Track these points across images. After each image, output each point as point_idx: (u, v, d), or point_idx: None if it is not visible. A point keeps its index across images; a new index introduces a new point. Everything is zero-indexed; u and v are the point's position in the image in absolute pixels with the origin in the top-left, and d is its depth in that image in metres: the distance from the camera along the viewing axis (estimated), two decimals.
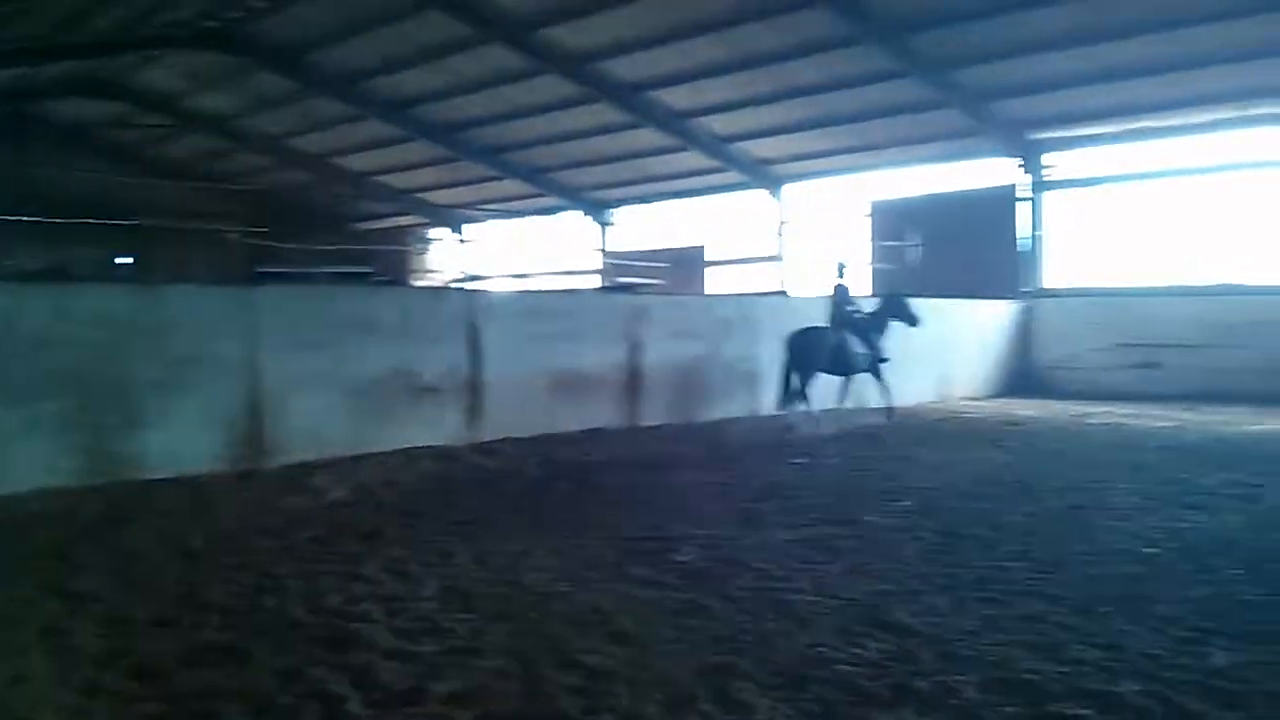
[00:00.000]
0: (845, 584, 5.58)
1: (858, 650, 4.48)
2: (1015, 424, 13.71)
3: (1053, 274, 19.65)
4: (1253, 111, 16.82)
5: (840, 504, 7.93)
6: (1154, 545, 6.40)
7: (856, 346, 13.35)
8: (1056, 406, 15.70)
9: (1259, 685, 4.02)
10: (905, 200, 21.85)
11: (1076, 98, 17.74)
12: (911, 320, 13.97)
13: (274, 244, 24.62)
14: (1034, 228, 19.67)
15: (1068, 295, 18.99)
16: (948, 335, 16.93)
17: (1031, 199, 19.67)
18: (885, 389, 13.67)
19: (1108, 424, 13.44)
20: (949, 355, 17.17)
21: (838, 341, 13.14)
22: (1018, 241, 19.75)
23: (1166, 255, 18.27)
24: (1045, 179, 19.57)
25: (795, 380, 12.80)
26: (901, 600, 5.24)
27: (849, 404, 13.88)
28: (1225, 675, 4.14)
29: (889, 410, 13.73)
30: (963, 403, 16.68)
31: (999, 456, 10.57)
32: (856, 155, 21.88)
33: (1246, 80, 15.98)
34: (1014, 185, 19.82)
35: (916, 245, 20.03)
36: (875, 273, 21.47)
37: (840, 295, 13.65)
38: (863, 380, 13.87)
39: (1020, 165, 19.67)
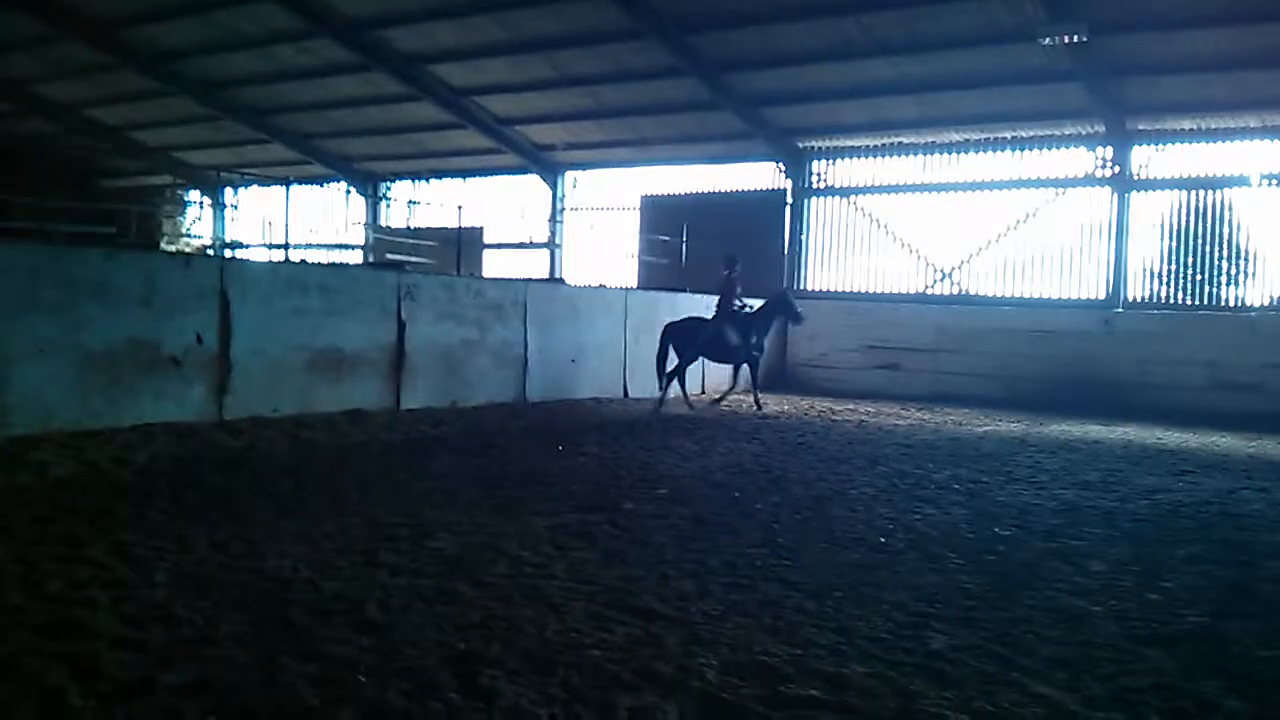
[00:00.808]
0: (598, 570, 5.63)
1: (606, 635, 4.52)
2: (768, 418, 14.27)
3: (812, 276, 20.61)
4: (996, 135, 18.21)
5: (599, 491, 8.01)
6: (886, 535, 6.80)
7: (733, 338, 14.52)
8: (807, 403, 16.49)
9: (973, 666, 4.33)
10: (676, 197, 22.36)
11: (840, 110, 18.68)
12: (796, 318, 15.36)
13: (5, 197, 22.46)
14: (798, 231, 20.57)
15: (824, 298, 19.97)
16: None
17: (795, 204, 20.55)
18: (754, 380, 15.13)
19: (852, 420, 14.22)
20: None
21: (714, 332, 14.37)
22: (783, 243, 20.60)
23: (913, 264, 19.49)
24: (811, 186, 20.49)
25: (670, 364, 14.25)
26: (651, 586, 5.34)
27: (737, 391, 15.26)
28: (943, 657, 4.43)
29: (756, 401, 15.07)
30: (720, 396, 17.21)
31: (752, 448, 10.97)
32: (633, 149, 22.21)
33: (990, 105, 17.28)
34: (784, 190, 20.66)
35: (683, 241, 20.52)
36: (641, 266, 21.83)
37: (727, 289, 14.82)
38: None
39: (785, 171, 20.54)
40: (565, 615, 4.78)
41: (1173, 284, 17.57)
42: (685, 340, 14.29)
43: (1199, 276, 17.27)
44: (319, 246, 27.56)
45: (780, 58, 17.26)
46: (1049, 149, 18.06)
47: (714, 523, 7.00)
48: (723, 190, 21.90)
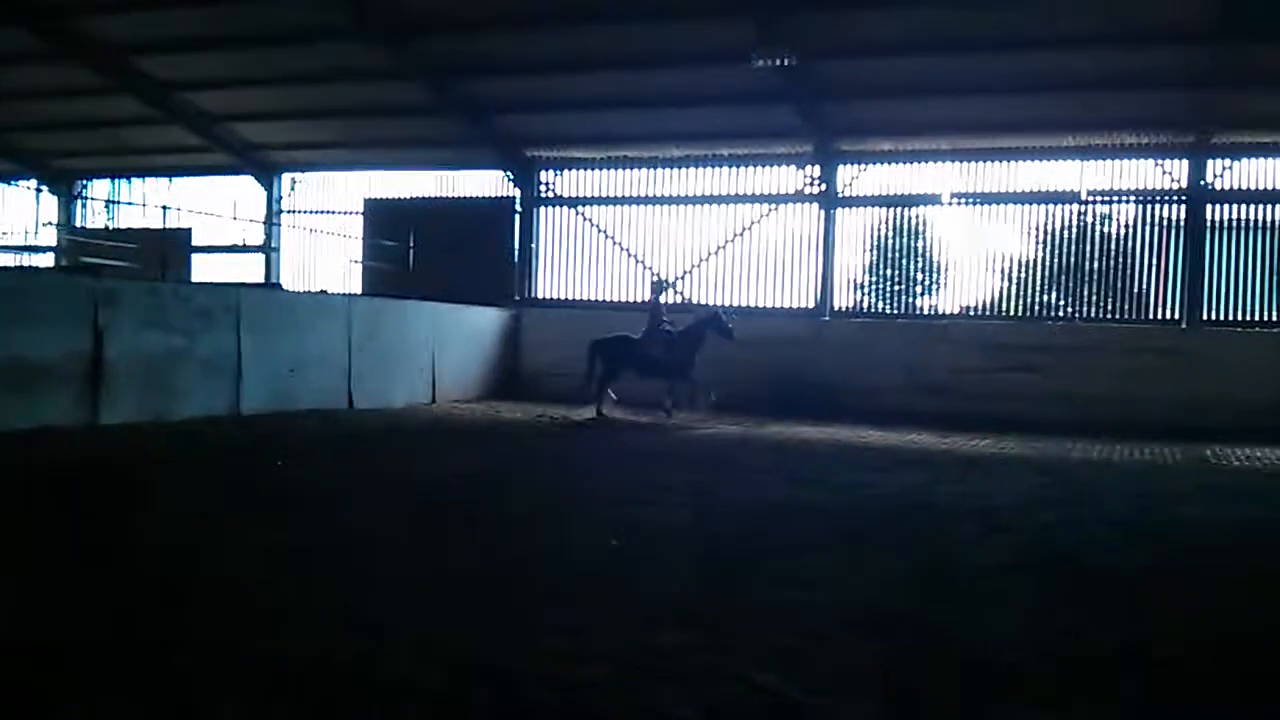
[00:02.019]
0: (326, 587, 5.35)
1: (335, 647, 4.29)
2: (501, 425, 14.19)
3: (543, 284, 20.72)
4: (715, 151, 18.98)
5: (320, 504, 7.66)
6: (615, 537, 6.87)
7: (657, 353, 15.51)
8: (539, 409, 16.52)
9: (699, 661, 4.42)
10: (402, 201, 21.87)
11: (567, 121, 18.89)
12: (727, 334, 15.81)
13: None
14: (527, 240, 20.60)
15: (555, 305, 20.11)
16: (441, 338, 17.18)
17: (524, 213, 20.59)
18: (678, 396, 15.80)
19: (584, 426, 14.37)
20: (442, 358, 17.43)
21: (641, 349, 15.48)
22: (513, 251, 20.57)
23: (640, 274, 19.96)
24: (539, 195, 20.59)
25: (599, 377, 15.36)
26: (378, 598, 5.13)
27: (670, 404, 15.73)
28: (670, 654, 4.49)
29: (669, 411, 15.62)
30: (454, 405, 17.00)
31: (482, 454, 10.85)
32: (355, 151, 21.53)
33: (708, 123, 17.99)
34: (513, 197, 20.63)
35: (410, 246, 20.11)
36: (365, 271, 21.20)
37: (655, 308, 16.11)
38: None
39: (513, 179, 20.53)
40: (283, 633, 4.51)
41: (875, 294, 18.95)
42: (613, 356, 15.46)
43: (898, 287, 18.70)
44: (2, 249, 24.96)
45: (507, 66, 17.22)
46: (763, 166, 19.02)
47: (443, 530, 6.84)
48: (450, 196, 21.62)
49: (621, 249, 20.09)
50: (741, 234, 19.24)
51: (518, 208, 20.64)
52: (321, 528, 6.85)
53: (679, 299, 19.42)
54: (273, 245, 23.15)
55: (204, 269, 23.79)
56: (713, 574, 6.00)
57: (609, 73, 16.91)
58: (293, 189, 23.10)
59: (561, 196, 20.57)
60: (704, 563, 6.28)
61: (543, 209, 20.71)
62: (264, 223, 22.99)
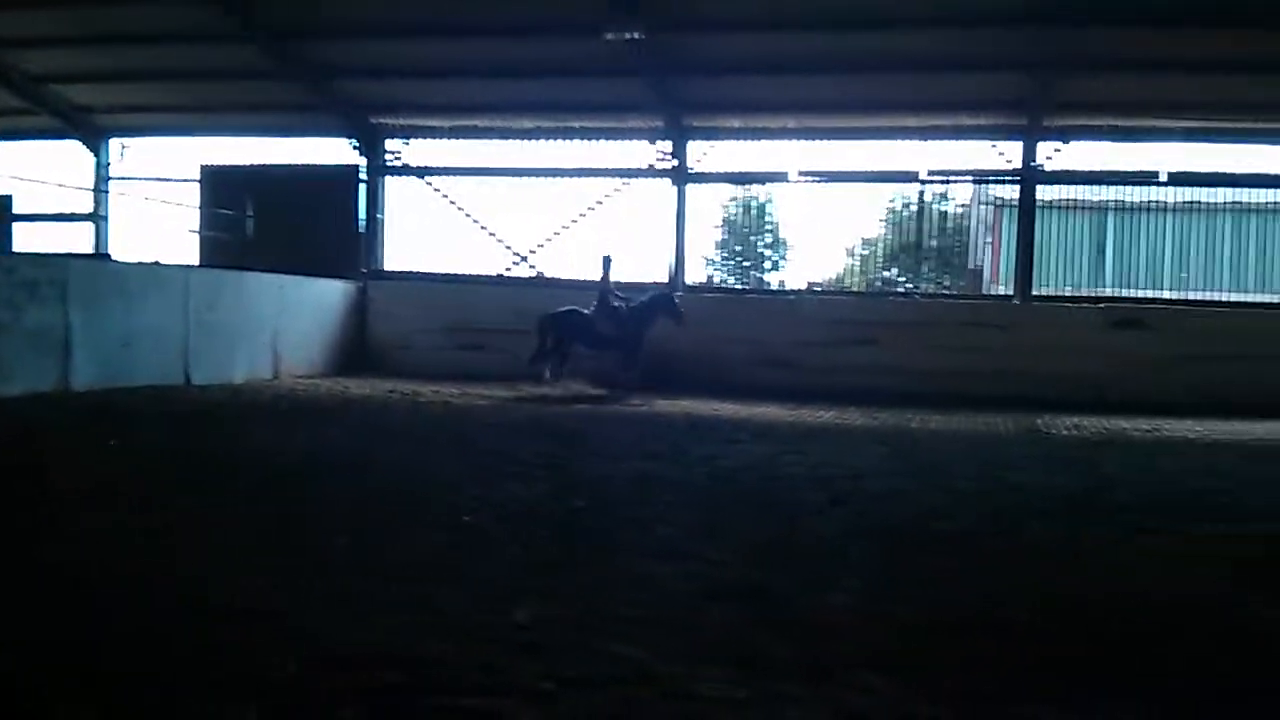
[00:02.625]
0: (156, 565, 5.15)
1: (197, 633, 4.14)
2: (351, 401, 13.88)
3: (392, 256, 20.27)
4: (567, 124, 18.88)
5: (157, 491, 7.35)
6: (472, 513, 6.82)
7: (606, 329, 15.77)
8: (389, 385, 16.20)
9: (558, 636, 4.44)
10: (241, 168, 20.99)
11: (415, 89, 18.48)
12: (676, 317, 16.08)
13: None
14: (374, 210, 20.10)
15: (405, 278, 19.72)
16: (284, 311, 16.65)
17: (370, 182, 20.06)
18: (631, 371, 15.99)
19: (435, 402, 14.17)
20: (285, 332, 16.90)
21: (589, 324, 15.74)
22: (359, 222, 20.04)
23: (494, 246, 19.76)
24: (387, 163, 20.08)
25: (547, 348, 15.58)
26: (226, 581, 4.97)
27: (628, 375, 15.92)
28: (528, 629, 4.50)
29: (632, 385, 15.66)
30: (298, 380, 16.52)
31: (333, 433, 10.60)
32: (191, 116, 20.59)
33: (560, 94, 17.90)
34: (358, 166, 20.07)
35: (249, 215, 19.38)
36: (203, 242, 20.33)
37: (604, 285, 16.20)
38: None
39: (358, 147, 19.96)
40: (130, 620, 4.32)
41: (726, 270, 19.28)
42: (563, 329, 15.70)
43: (748, 263, 19.05)
44: None
45: (353, 29, 16.74)
46: (616, 140, 19.04)
47: (303, 515, 6.65)
48: (293, 164, 20.87)
49: (472, 221, 19.80)
50: (595, 208, 19.23)
51: (363, 177, 20.08)
52: (154, 511, 6.57)
53: (536, 273, 19.32)
54: (101, 214, 21.92)
55: (27, 238, 22.37)
56: (570, 547, 6.03)
57: (459, 40, 16.61)
58: (122, 155, 21.89)
59: (409, 166, 20.13)
60: (561, 537, 6.31)
61: (390, 178, 20.23)
62: (92, 190, 21.74)
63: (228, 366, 15.48)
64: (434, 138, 19.90)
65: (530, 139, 19.42)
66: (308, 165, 20.69)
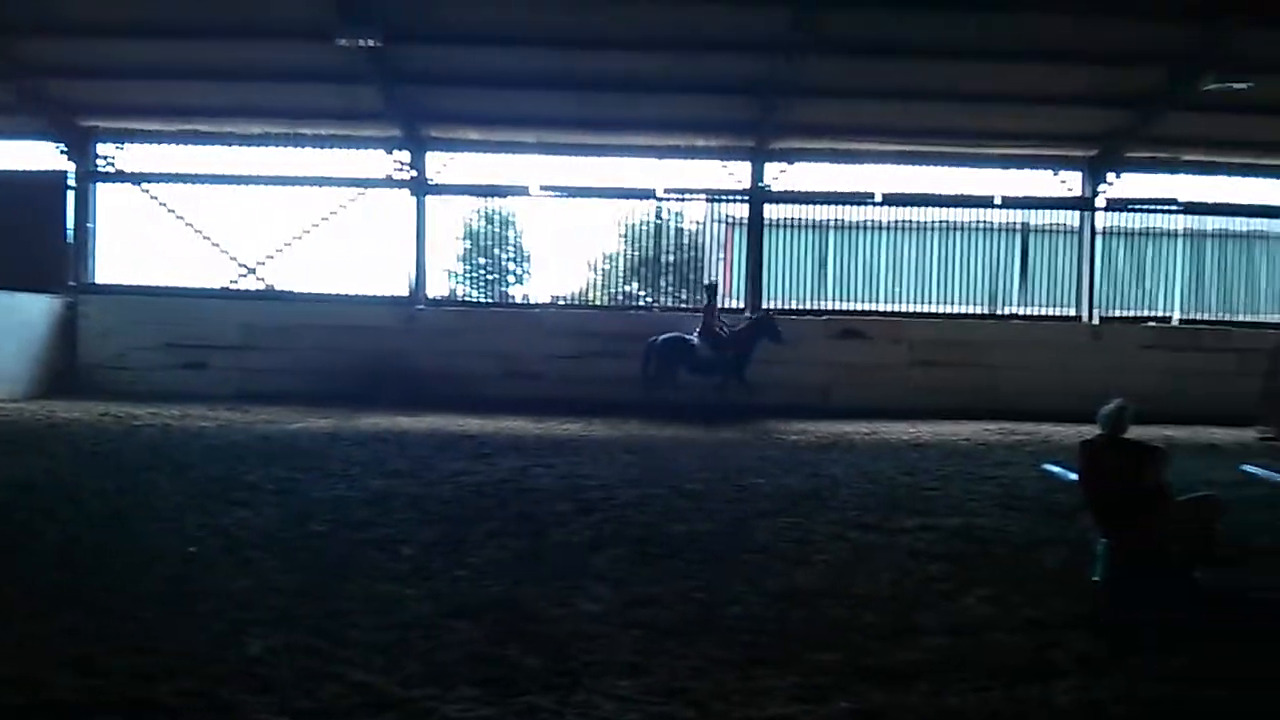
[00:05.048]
0: None
1: None
2: (57, 426, 12.75)
3: (105, 269, 18.75)
4: (299, 130, 18.15)
5: None
6: (197, 543, 6.42)
7: (705, 352, 15.95)
8: (102, 408, 14.96)
9: (293, 666, 4.25)
10: None
11: (132, 91, 17.23)
12: (777, 337, 16.07)
13: None
14: (84, 219, 18.55)
15: (120, 292, 18.30)
16: None
17: (79, 190, 18.50)
18: (741, 389, 16.10)
19: (154, 425, 13.23)
20: None
21: (692, 349, 15.96)
22: (67, 232, 18.44)
23: (219, 258, 18.67)
24: (99, 169, 18.60)
25: (653, 372, 15.91)
26: None
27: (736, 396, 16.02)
28: (261, 661, 4.28)
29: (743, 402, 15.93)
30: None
31: (39, 462, 9.70)
32: None
33: (292, 100, 17.19)
34: (65, 172, 18.45)
35: None
36: None
37: (709, 309, 16.33)
38: None
39: (66, 152, 18.39)
40: None
41: (469, 283, 19.12)
42: (666, 355, 15.91)
43: (492, 276, 18.96)
44: None
45: (59, 25, 15.39)
46: (352, 149, 18.46)
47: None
48: None
49: (195, 231, 18.62)
50: (329, 218, 18.56)
51: (72, 183, 18.48)
52: None
53: (266, 286, 18.43)
54: None
55: None
56: (305, 573, 5.79)
57: (179, 41, 15.59)
58: None
59: (124, 173, 18.70)
60: (295, 562, 6.05)
61: (103, 186, 18.73)
62: None
63: None
64: (153, 142, 18.55)
65: (259, 145, 18.51)
66: (7, 171, 18.81)
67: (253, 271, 18.53)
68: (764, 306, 17.94)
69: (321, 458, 10.44)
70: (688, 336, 16.28)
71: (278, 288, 18.49)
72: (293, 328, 17.50)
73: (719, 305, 16.97)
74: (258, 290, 18.47)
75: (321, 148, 18.43)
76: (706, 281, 17.53)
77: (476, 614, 5.08)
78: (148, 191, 18.66)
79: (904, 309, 18.44)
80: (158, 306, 17.91)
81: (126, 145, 18.58)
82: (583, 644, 4.70)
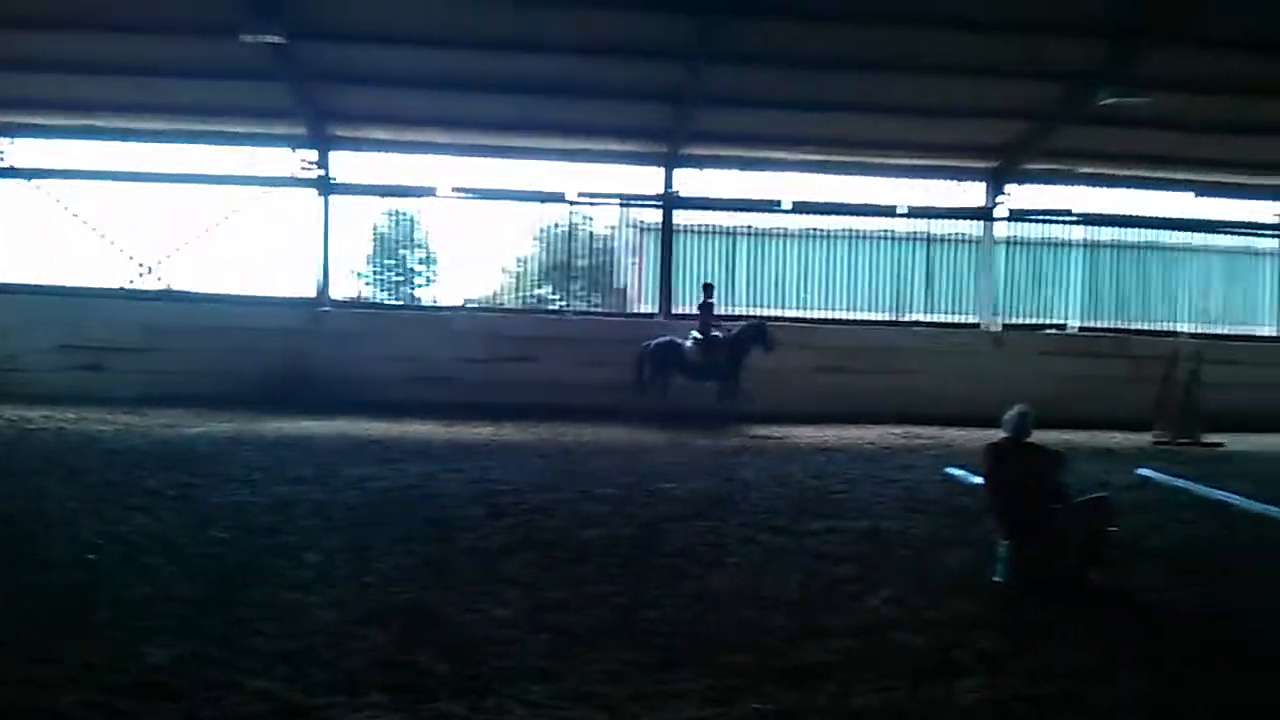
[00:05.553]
0: None
1: None
2: None
3: None
4: (202, 127, 17.67)
5: None
6: (95, 550, 6.21)
7: (695, 356, 16.02)
8: None
9: (195, 675, 4.14)
10: None
11: (22, 84, 16.59)
12: (768, 345, 15.94)
13: None
14: None
15: (10, 291, 17.59)
16: None
17: None
18: (731, 395, 16.06)
19: (48, 429, 12.77)
20: None
21: (685, 352, 16.06)
22: None
23: (118, 257, 18.09)
24: None
25: (647, 377, 16.07)
26: None
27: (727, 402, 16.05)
28: (163, 671, 4.17)
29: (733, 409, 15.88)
30: None
31: None
32: None
33: (195, 96, 16.73)
34: None
35: None
36: None
37: (705, 313, 16.37)
38: None
39: None
40: None
41: (376, 285, 18.84)
42: (659, 361, 16.03)
43: (399, 278, 18.71)
44: None
45: None
46: (256, 146, 18.04)
47: None
48: None
49: (91, 229, 18.01)
50: (232, 217, 18.11)
51: None
52: None
53: (167, 286, 17.92)
54: None
55: None
56: (206, 581, 5.64)
57: (76, 33, 15.06)
58: None
59: (14, 168, 18.00)
60: (196, 570, 5.89)
61: None
62: None
63: None
64: (46, 137, 17.88)
65: (161, 142, 17.96)
66: None
67: (153, 271, 18.01)
68: (758, 314, 17.85)
69: (223, 463, 10.19)
70: (680, 340, 16.26)
71: (179, 288, 17.99)
72: (194, 329, 17.01)
73: (714, 307, 16.84)
74: (158, 290, 17.94)
75: (225, 145, 17.97)
76: (704, 284, 17.29)
77: (384, 621, 5.01)
78: (39, 187, 17.99)
79: (812, 315, 18.69)
80: (53, 306, 17.26)
81: (17, 140, 17.89)
82: (493, 649, 4.67)
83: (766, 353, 16.07)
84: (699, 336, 16.22)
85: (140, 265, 18.00)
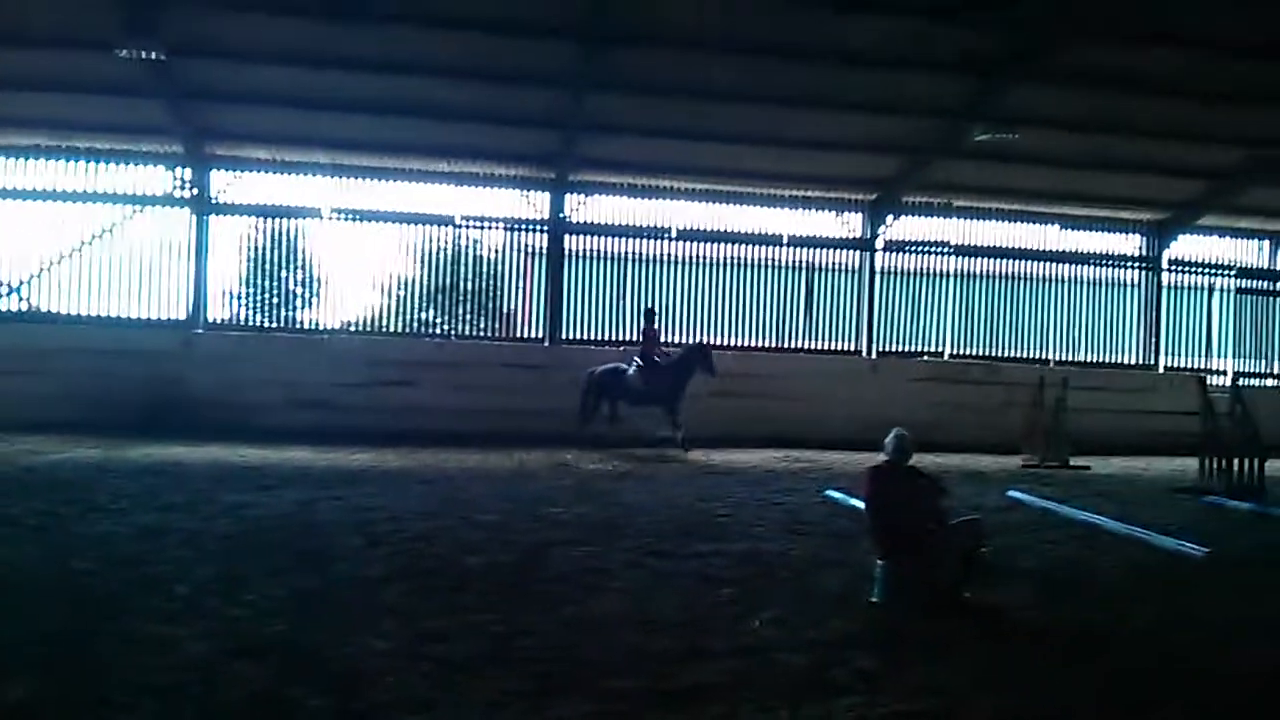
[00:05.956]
0: None
1: None
2: None
3: None
4: (71, 144, 17.00)
5: None
6: None
7: (638, 383, 15.77)
8: None
9: (57, 713, 3.97)
10: None
11: None
12: (710, 370, 15.77)
13: None
14: None
15: None
16: None
17: None
18: (675, 422, 15.63)
19: None
20: None
21: (628, 379, 15.83)
22: None
23: None
24: None
25: (593, 404, 15.96)
26: None
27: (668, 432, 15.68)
28: (23, 707, 4.00)
29: (679, 439, 15.43)
30: None
31: None
32: None
33: (65, 111, 16.11)
34: None
35: None
36: None
37: (648, 338, 16.25)
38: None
39: None
40: None
41: (252, 306, 18.33)
42: (604, 388, 15.90)
43: (276, 300, 18.24)
44: None
45: None
46: (129, 164, 17.43)
47: None
48: None
49: None
50: (101, 236, 17.43)
51: None
52: None
53: (30, 306, 17.11)
54: None
55: None
56: (73, 614, 5.39)
57: None
58: None
59: None
60: (61, 602, 5.62)
61: None
62: None
63: None
64: None
65: (29, 158, 17.21)
66: None
67: (15, 291, 17.20)
68: (699, 338, 17.93)
69: (88, 490, 9.76)
70: (623, 367, 16.10)
71: (44, 309, 17.22)
72: (60, 351, 16.27)
73: (657, 332, 16.71)
74: (20, 311, 17.15)
75: (97, 162, 17.33)
76: (646, 306, 17.28)
77: (258, 654, 4.85)
78: None
79: (699, 341, 18.85)
80: None
81: None
82: (371, 682, 4.57)
83: (710, 377, 15.94)
84: (640, 363, 16.06)
85: (2, 284, 17.19)
